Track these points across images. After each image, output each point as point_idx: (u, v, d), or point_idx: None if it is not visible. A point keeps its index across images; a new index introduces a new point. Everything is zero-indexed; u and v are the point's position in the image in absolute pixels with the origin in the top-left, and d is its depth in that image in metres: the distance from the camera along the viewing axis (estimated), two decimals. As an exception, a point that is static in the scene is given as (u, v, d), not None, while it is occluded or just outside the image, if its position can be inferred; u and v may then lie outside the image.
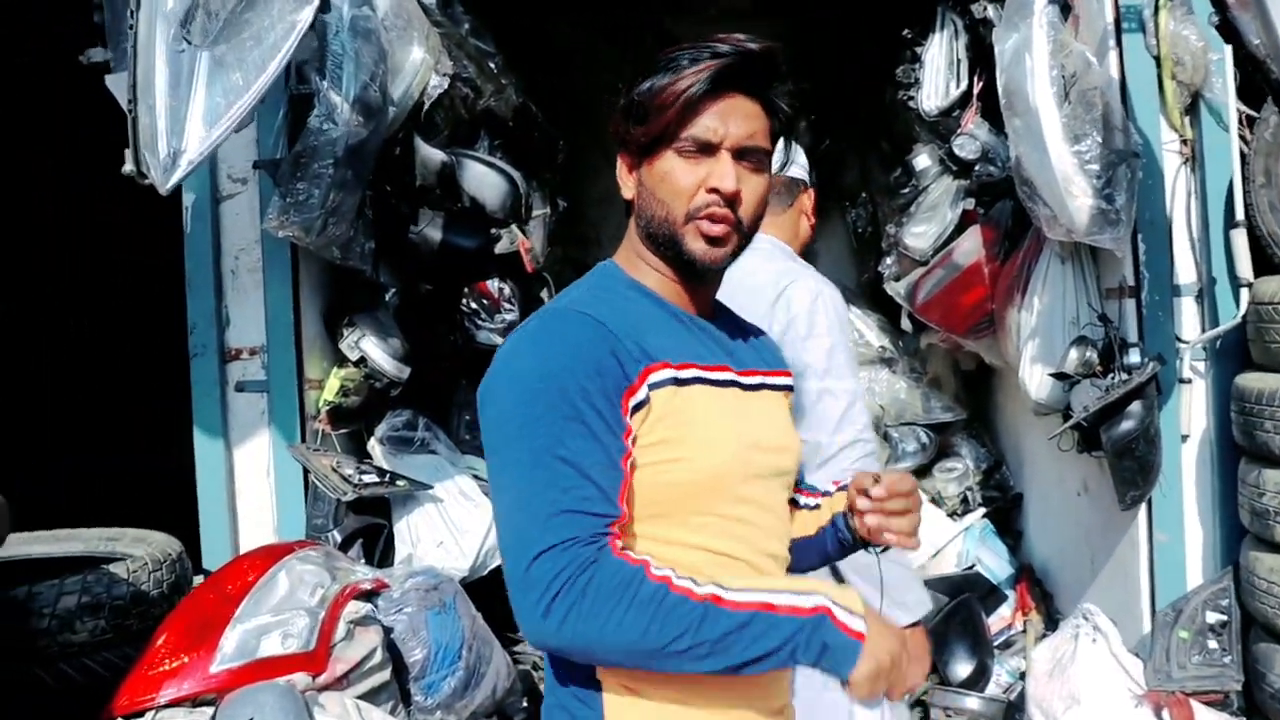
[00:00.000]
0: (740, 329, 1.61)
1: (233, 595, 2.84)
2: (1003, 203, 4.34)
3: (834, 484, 1.66)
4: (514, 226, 3.95)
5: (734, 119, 1.40)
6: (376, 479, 3.56)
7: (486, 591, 3.55)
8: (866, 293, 6.22)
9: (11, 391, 5.47)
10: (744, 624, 1.21)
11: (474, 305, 4.45)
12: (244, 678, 2.62)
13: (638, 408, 1.32)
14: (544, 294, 4.67)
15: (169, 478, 3.77)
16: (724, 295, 1.59)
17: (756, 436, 1.44)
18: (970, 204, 4.39)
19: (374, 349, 3.70)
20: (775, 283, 2.33)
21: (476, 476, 4.04)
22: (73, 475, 5.19)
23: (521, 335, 1.38)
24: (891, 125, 5.02)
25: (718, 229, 1.41)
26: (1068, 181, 3.37)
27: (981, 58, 4.18)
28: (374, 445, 3.87)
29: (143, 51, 2.45)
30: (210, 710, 2.54)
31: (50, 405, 6.02)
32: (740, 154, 1.41)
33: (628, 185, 1.50)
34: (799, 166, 2.59)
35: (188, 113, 2.40)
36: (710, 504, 1.37)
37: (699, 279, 1.48)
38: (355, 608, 2.98)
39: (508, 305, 4.56)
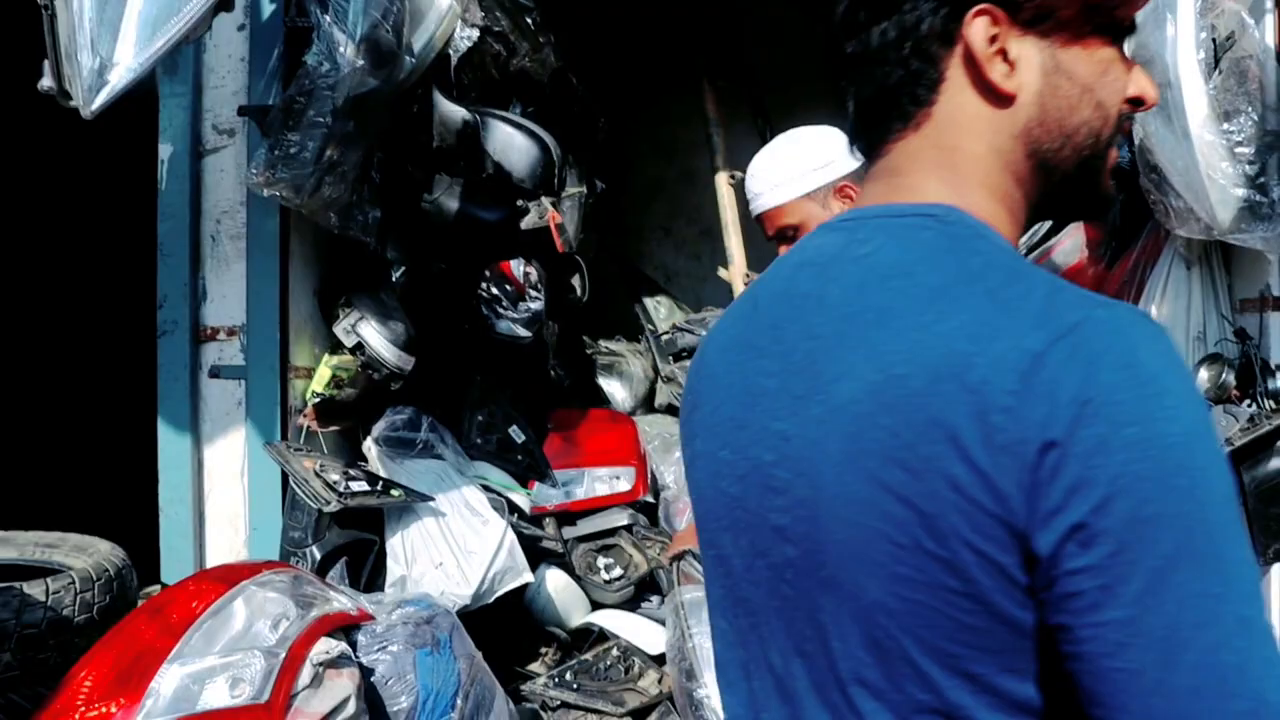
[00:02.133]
0: None
1: (175, 626, 2.32)
2: (1107, 199, 3.76)
3: None
4: (544, 199, 3.41)
5: None
6: (367, 487, 3.05)
7: (484, 621, 3.13)
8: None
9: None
10: None
11: (494, 290, 3.91)
12: (175, 738, 2.09)
13: None
14: (575, 280, 4.13)
15: (128, 474, 3.25)
16: None
17: None
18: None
19: (374, 334, 3.20)
20: None
21: (487, 488, 3.53)
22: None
23: (1160, 353, 0.75)
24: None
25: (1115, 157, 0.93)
26: (1211, 168, 2.86)
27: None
28: (369, 446, 3.37)
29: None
30: (129, 779, 2.01)
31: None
32: None
33: (997, 67, 0.85)
34: None
35: (123, 11, 1.85)
36: None
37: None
38: (326, 646, 2.45)
39: (534, 292, 4.03)
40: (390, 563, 3.17)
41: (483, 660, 2.90)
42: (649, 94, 5.52)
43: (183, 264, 3.16)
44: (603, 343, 5.23)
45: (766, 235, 2.14)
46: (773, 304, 0.92)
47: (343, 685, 2.43)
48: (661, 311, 5.48)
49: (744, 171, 4.70)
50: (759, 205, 2.11)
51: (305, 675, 2.34)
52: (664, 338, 5.26)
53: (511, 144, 3.39)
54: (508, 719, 2.91)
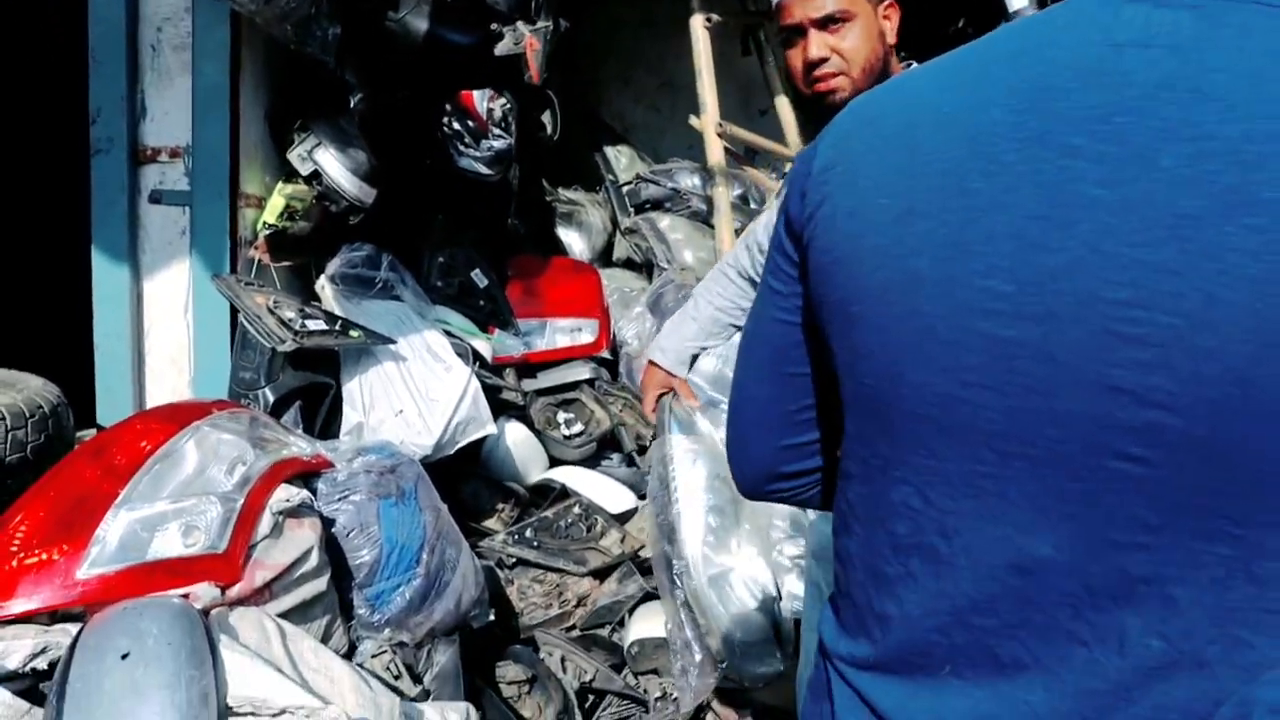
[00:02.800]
0: None
1: (121, 469, 2.11)
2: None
3: None
4: (519, 24, 3.12)
5: None
6: (324, 326, 2.83)
7: (437, 473, 2.91)
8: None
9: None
10: None
11: (455, 125, 3.63)
12: (125, 587, 1.91)
13: None
14: (546, 117, 3.86)
15: (59, 307, 2.98)
16: None
17: None
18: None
19: (332, 162, 2.94)
20: None
21: (449, 332, 3.32)
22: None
23: None
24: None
25: None
26: None
27: None
28: (323, 284, 3.14)
29: None
30: (75, 629, 1.83)
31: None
32: None
33: None
34: None
35: None
36: None
37: None
38: (286, 494, 2.27)
39: (497, 130, 3.76)
40: (346, 408, 2.98)
41: (449, 513, 2.75)
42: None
43: (119, 75, 2.84)
44: (561, 191, 4.98)
45: (790, 24, 1.86)
46: (1080, 87, 0.69)
47: (304, 536, 2.26)
48: (622, 161, 5.23)
49: (719, 14, 4.45)
50: None
51: (264, 524, 2.17)
52: (626, 188, 5.03)
53: (486, -40, 3.09)
54: (474, 575, 2.78)
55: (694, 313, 2.39)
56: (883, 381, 0.78)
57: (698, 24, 4.35)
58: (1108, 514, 0.68)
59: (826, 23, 1.81)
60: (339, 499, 2.47)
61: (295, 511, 2.25)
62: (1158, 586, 0.67)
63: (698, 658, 2.44)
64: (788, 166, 5.00)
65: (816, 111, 1.89)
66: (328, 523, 2.40)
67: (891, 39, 1.88)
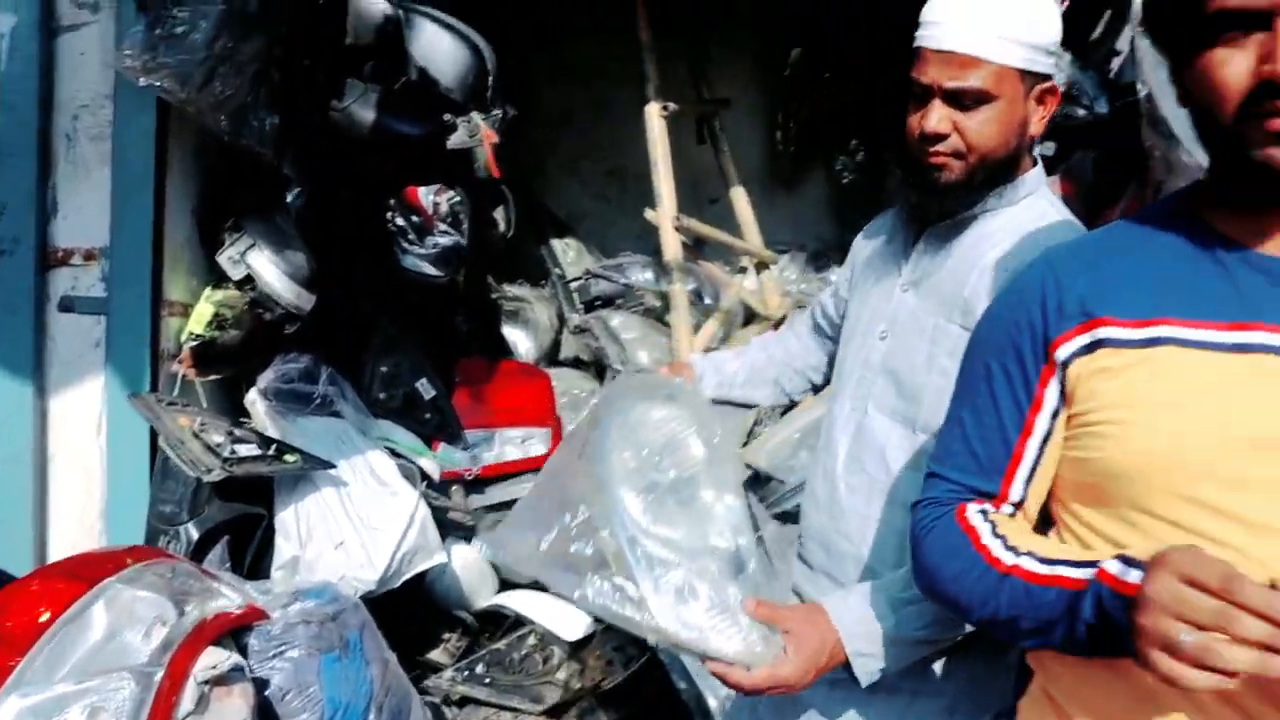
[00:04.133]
0: None
1: (15, 640, 1.78)
2: (1082, 155, 3.54)
3: None
4: (474, 115, 2.90)
5: None
6: (256, 450, 2.54)
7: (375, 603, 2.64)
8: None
9: None
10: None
11: (400, 221, 3.37)
12: (14, 797, 1.58)
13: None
14: (499, 213, 3.62)
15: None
16: None
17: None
18: (1050, 149, 3.51)
19: (267, 266, 2.69)
20: None
21: (394, 452, 3.02)
22: None
23: None
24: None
25: None
26: None
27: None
28: (254, 399, 2.86)
29: None
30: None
31: None
32: None
33: None
34: None
35: None
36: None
37: None
38: (213, 659, 1.96)
39: (444, 226, 3.50)
40: (280, 541, 2.66)
41: (397, 664, 2.45)
42: (558, 11, 4.99)
43: (28, 167, 2.54)
44: (506, 286, 4.73)
45: (921, 81, 1.58)
46: None
47: (234, 707, 1.96)
48: (570, 255, 5.01)
49: (675, 103, 4.28)
50: (956, 41, 1.54)
51: (188, 698, 1.86)
52: (574, 284, 4.80)
53: (439, 47, 2.85)
54: None
55: (743, 352, 2.19)
56: None
57: (654, 113, 4.16)
58: None
59: (960, 96, 1.54)
60: (274, 656, 2.17)
61: (224, 678, 1.96)
62: None
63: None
64: (742, 260, 4.83)
65: (914, 174, 1.63)
66: (261, 685, 2.10)
67: (1035, 130, 1.62)
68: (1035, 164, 1.67)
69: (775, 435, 3.32)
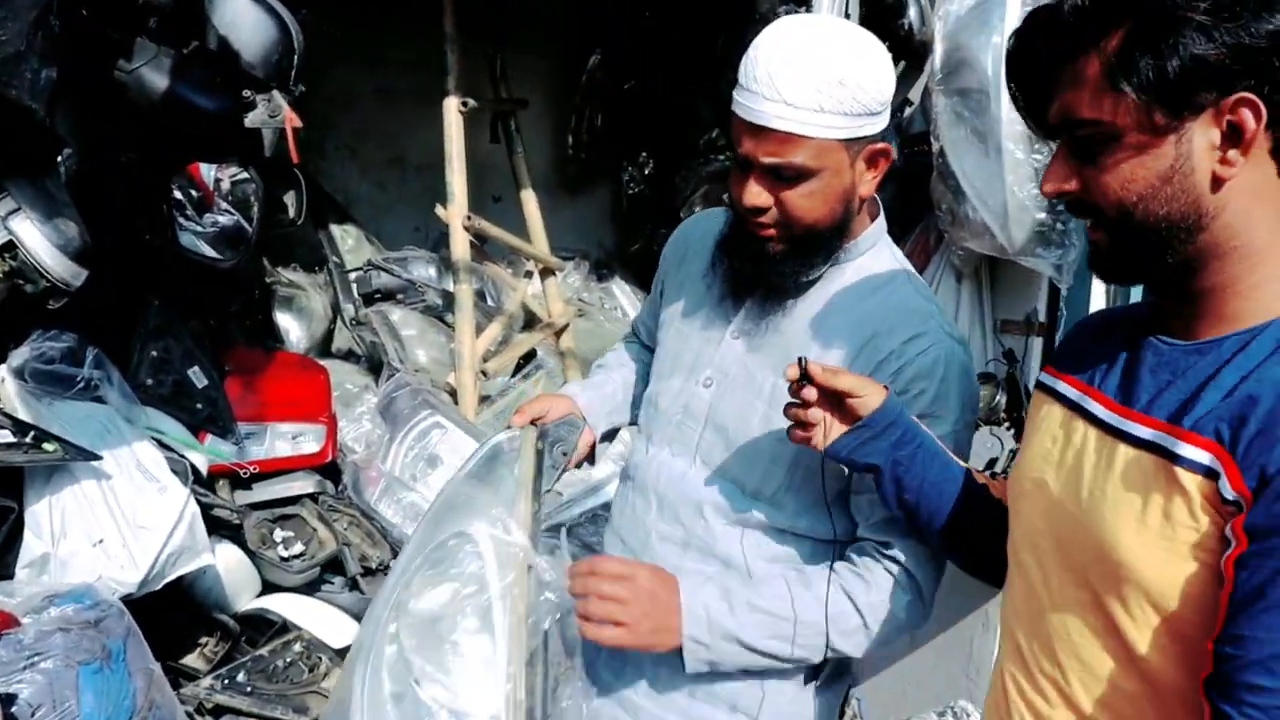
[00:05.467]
0: None
1: None
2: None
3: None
4: (276, 94, 2.73)
5: None
6: (10, 438, 2.32)
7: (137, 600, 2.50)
8: (635, 264, 5.45)
9: None
10: None
11: (178, 195, 3.15)
12: None
13: None
14: (288, 198, 3.43)
15: None
16: None
17: None
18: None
19: (34, 234, 2.42)
20: None
21: (161, 443, 2.81)
22: None
23: None
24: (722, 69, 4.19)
25: None
26: (1016, 186, 2.77)
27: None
28: (5, 380, 2.56)
29: None
30: None
31: None
32: None
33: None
34: None
35: None
36: None
37: None
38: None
39: (224, 204, 3.30)
40: (30, 536, 2.43)
41: (162, 675, 2.27)
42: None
43: None
44: (281, 271, 4.49)
45: (743, 152, 1.47)
46: None
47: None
48: (349, 242, 4.83)
49: (474, 100, 4.20)
50: (773, 118, 1.41)
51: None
52: (354, 274, 4.62)
53: (244, 18, 2.66)
54: None
55: (610, 368, 2.03)
56: None
57: (452, 108, 4.07)
58: None
59: (778, 171, 1.45)
60: (25, 668, 2.00)
61: (-32, 695, 1.75)
62: None
63: None
64: (528, 264, 4.79)
65: (741, 240, 1.56)
66: (7, 701, 1.92)
67: (865, 191, 1.52)
68: (876, 215, 1.63)
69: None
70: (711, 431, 1.64)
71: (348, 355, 4.50)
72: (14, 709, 1.92)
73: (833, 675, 1.69)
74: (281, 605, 3.18)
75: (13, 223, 2.42)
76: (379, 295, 4.53)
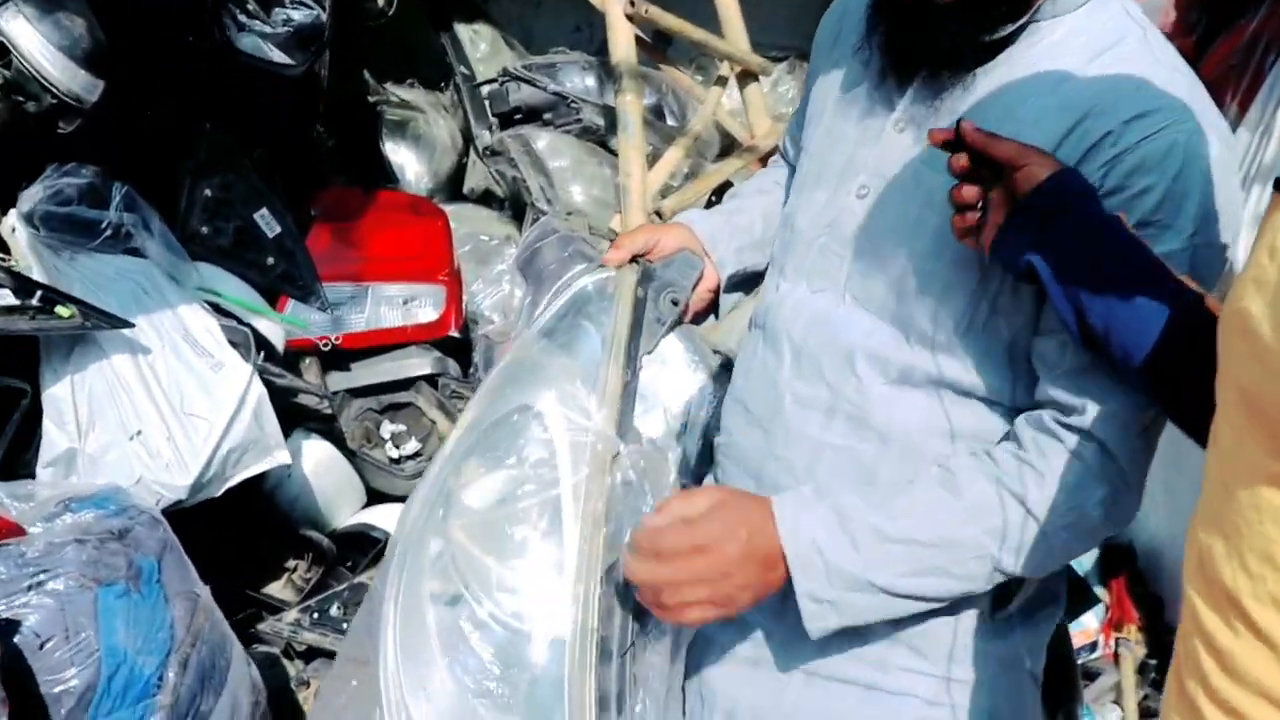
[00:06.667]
0: None
1: None
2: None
3: None
4: None
5: None
6: (13, 299, 2.48)
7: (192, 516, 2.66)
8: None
9: None
10: None
11: (235, -15, 3.24)
12: None
13: None
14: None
15: None
16: None
17: None
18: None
19: (31, 34, 2.58)
20: None
21: (218, 308, 2.96)
22: None
23: None
24: None
25: None
26: None
27: None
28: (13, 225, 2.76)
29: None
30: None
31: None
32: None
33: None
34: None
35: None
36: None
37: None
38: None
39: (298, -6, 3.36)
40: (50, 428, 2.62)
41: (212, 601, 2.36)
42: None
43: None
44: (391, 89, 4.60)
45: None
46: None
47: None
48: (481, 48, 4.92)
49: None
50: None
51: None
52: (487, 89, 4.72)
53: None
54: (249, 694, 2.41)
55: (744, 196, 2.03)
56: None
57: None
58: None
59: None
60: (30, 588, 2.11)
61: (-52, 619, 1.89)
62: None
63: None
64: (722, 68, 4.68)
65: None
66: (9, 629, 2.04)
67: None
68: None
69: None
70: (863, 257, 1.59)
71: (484, 197, 4.62)
72: (17, 638, 2.02)
73: (1034, 600, 1.65)
74: (390, 520, 3.30)
75: (5, 19, 2.51)
76: (519, 115, 4.60)
